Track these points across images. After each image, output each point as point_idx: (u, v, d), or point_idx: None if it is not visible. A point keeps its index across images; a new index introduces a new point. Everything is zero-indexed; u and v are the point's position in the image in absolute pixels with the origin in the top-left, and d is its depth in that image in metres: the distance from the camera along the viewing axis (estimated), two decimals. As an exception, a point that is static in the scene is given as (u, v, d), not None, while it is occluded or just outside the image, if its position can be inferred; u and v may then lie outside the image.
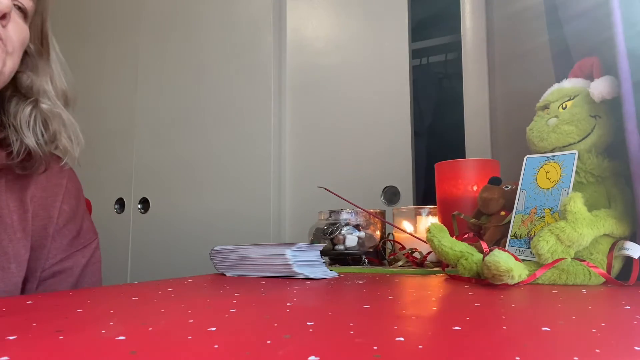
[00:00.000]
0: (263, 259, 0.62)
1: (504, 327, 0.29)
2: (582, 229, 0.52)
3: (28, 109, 0.55)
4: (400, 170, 1.38)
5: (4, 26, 0.50)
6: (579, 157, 0.60)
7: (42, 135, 0.56)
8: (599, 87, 0.60)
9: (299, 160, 1.53)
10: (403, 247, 0.88)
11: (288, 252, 0.60)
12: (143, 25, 1.78)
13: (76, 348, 0.23)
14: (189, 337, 0.25)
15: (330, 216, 0.91)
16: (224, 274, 0.65)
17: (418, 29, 1.75)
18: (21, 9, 0.54)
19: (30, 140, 0.54)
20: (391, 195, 1.39)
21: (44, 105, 0.56)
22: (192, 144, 1.64)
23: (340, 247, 0.88)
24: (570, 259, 0.53)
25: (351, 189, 1.38)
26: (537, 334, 0.26)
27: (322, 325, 0.29)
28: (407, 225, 0.93)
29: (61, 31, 1.95)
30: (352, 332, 0.27)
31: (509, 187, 0.70)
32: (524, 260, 0.55)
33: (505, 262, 0.48)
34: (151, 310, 0.35)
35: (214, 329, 0.28)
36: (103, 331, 0.27)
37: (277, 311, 0.34)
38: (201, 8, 1.67)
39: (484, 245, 0.58)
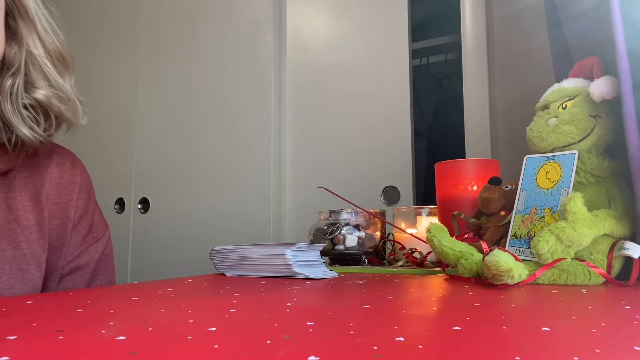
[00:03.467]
0: (263, 259, 0.62)
1: (504, 327, 0.29)
2: (582, 229, 0.52)
3: (8, 82, 0.50)
4: (400, 170, 1.38)
5: None
6: (579, 157, 0.60)
7: (44, 130, 0.54)
8: (599, 87, 0.59)
9: (299, 160, 1.53)
10: (403, 247, 0.88)
11: (288, 252, 0.60)
12: (143, 25, 1.78)
13: (76, 348, 0.23)
14: (189, 337, 0.25)
15: (330, 216, 0.91)
16: (224, 274, 0.65)
17: (418, 29, 1.75)
18: None
19: (25, 131, 0.51)
20: (391, 195, 1.39)
21: (41, 96, 0.53)
22: (192, 144, 1.64)
23: (340, 247, 0.88)
24: (570, 259, 0.53)
25: (351, 189, 1.38)
26: (537, 334, 0.26)
27: (322, 325, 0.29)
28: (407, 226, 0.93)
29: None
30: (352, 332, 0.27)
31: (509, 187, 0.70)
32: (524, 260, 0.55)
33: (505, 262, 0.48)
34: (151, 310, 0.35)
35: (214, 329, 0.28)
36: (103, 331, 0.27)
37: (277, 311, 0.34)
38: (201, 8, 1.67)
39: (484, 245, 0.58)
